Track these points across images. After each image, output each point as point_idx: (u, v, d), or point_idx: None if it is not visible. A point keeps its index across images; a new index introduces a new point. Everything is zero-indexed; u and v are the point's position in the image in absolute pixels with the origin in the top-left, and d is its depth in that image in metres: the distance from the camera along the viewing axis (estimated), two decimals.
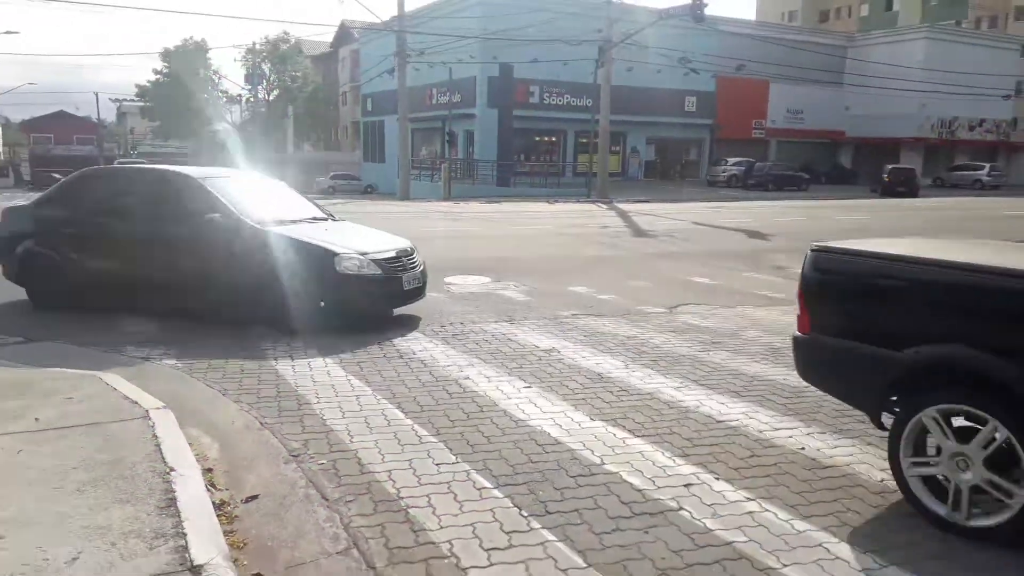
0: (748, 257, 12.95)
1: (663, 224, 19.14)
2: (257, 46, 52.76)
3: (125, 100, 63.58)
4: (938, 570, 2.92)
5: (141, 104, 56.52)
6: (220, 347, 6.34)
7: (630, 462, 4.02)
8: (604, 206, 26.35)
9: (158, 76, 53.41)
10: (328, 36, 56.71)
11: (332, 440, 4.30)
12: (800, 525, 3.28)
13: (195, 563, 2.81)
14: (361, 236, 7.62)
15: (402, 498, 3.56)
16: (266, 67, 54.35)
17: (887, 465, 3.55)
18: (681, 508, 3.48)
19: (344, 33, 53.27)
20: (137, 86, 55.22)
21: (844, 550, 3.05)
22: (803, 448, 4.21)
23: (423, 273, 7.57)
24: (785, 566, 2.93)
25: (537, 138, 40.48)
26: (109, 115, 79.93)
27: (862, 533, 3.21)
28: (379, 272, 6.92)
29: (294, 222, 7.55)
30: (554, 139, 40.79)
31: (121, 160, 51.34)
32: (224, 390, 5.22)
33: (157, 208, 7.34)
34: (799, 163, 44.76)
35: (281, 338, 6.65)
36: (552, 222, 19.63)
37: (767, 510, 3.44)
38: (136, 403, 4.59)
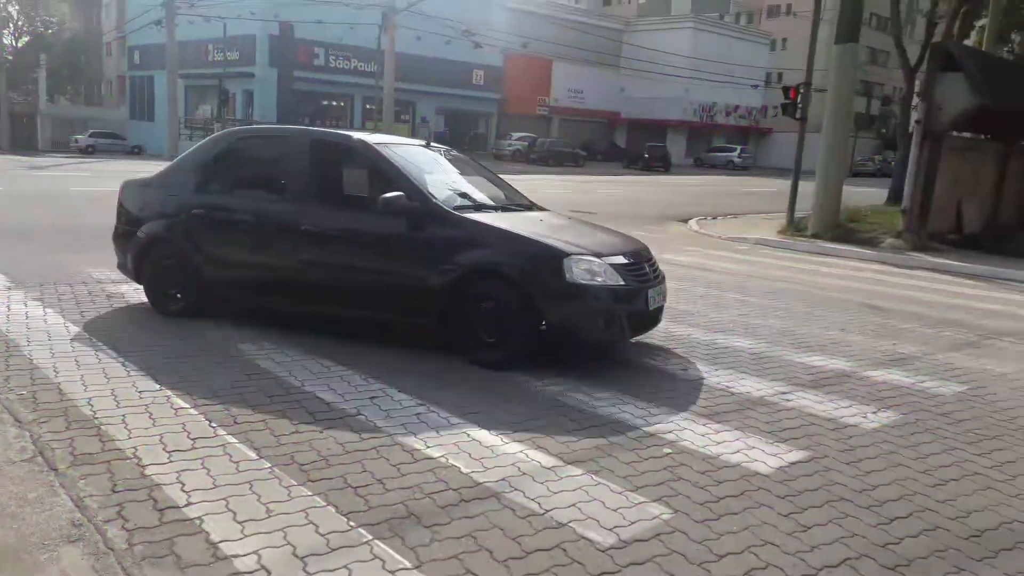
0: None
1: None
2: None
3: None
4: None
5: None
6: None
7: (319, 379, 4.60)
8: None
9: None
10: None
11: (36, 375, 4.44)
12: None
13: None
14: (583, 232, 5.80)
15: (97, 418, 3.86)
16: (13, 9, 48.23)
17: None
18: (356, 411, 4.10)
19: None
20: None
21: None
22: None
23: (665, 286, 5.72)
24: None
25: (324, 102, 39.79)
26: None
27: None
28: (620, 283, 5.08)
29: (495, 208, 5.82)
30: (342, 103, 40.28)
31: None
32: None
33: (318, 183, 5.72)
34: (579, 141, 47.71)
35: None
36: None
37: None
38: None
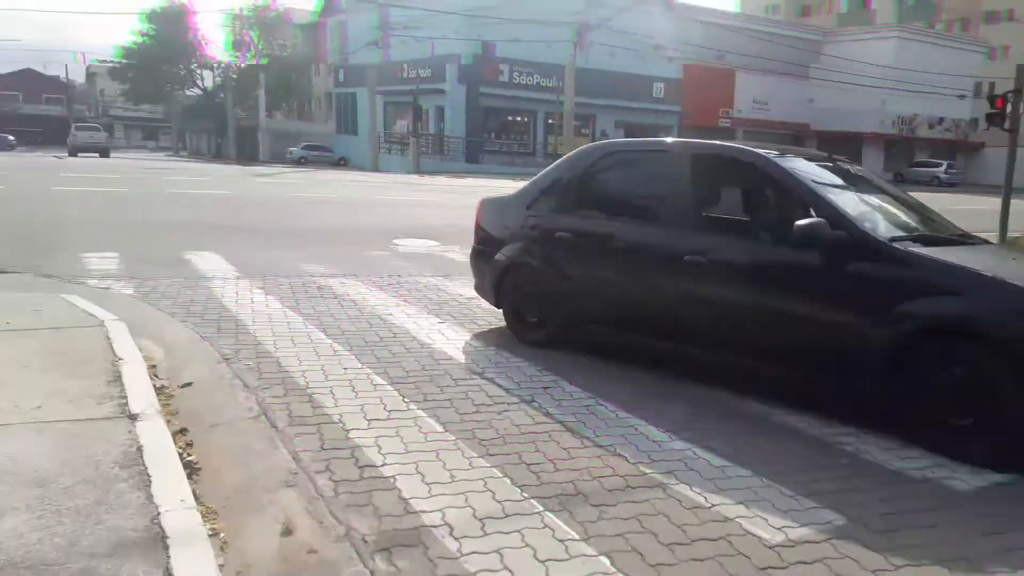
0: None
1: None
2: (244, 12, 52.62)
3: (97, 61, 63.03)
4: None
5: (112, 64, 56.05)
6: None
7: (499, 366, 4.91)
8: None
9: (143, 38, 52.97)
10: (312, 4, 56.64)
11: (260, 350, 5.10)
12: None
13: (132, 412, 3.62)
14: None
15: (309, 387, 4.39)
16: (254, 34, 54.11)
17: None
18: (534, 400, 4.35)
19: (330, 4, 53.24)
20: (117, 47, 54.74)
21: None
22: None
23: None
24: None
25: (509, 117, 41.18)
26: (79, 76, 78.98)
27: None
28: None
29: (948, 242, 4.60)
30: (524, 119, 41.50)
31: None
32: (171, 313, 6.00)
33: (704, 205, 5.14)
34: None
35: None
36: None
37: None
38: (93, 316, 5.35)
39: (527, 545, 2.81)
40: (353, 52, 44.39)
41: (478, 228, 6.12)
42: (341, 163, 43.67)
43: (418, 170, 33.34)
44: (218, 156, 51.32)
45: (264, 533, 2.90)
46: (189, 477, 3.22)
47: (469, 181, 26.76)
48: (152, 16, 52.40)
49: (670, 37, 38.11)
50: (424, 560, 2.68)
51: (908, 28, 55.16)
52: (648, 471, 3.52)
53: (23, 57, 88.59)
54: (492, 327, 6.05)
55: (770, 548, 2.88)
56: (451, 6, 34.35)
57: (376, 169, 33.77)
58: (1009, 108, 13.99)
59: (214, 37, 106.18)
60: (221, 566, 2.64)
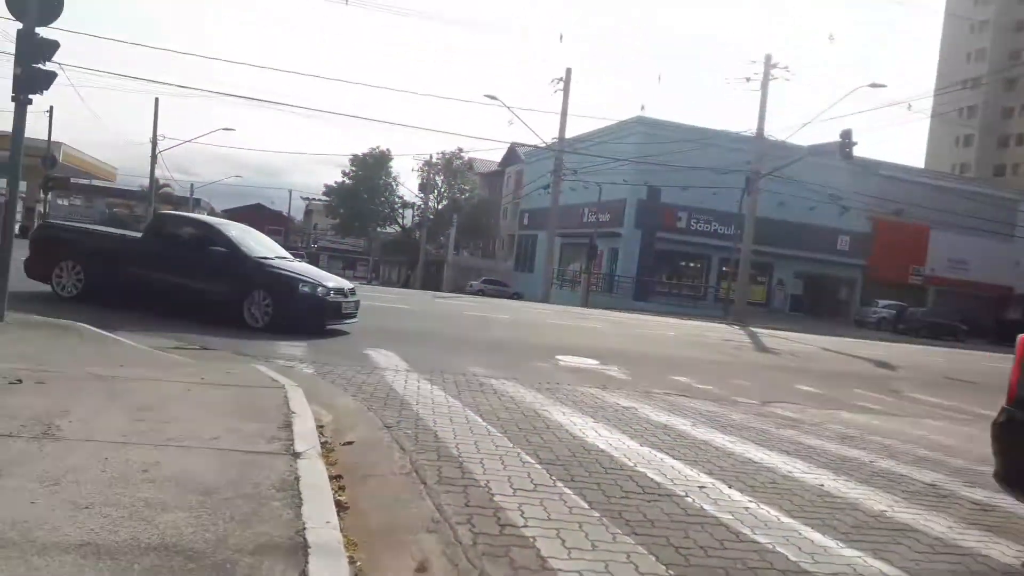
0: (866, 379, 12.91)
1: (790, 346, 19.14)
2: (433, 159, 58.00)
3: (313, 199, 71.05)
4: None
5: (326, 202, 62.99)
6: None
7: (651, 464, 4.70)
8: (736, 327, 26.44)
9: (345, 178, 59.61)
10: (499, 155, 61.37)
11: (419, 424, 5.26)
12: None
13: (296, 451, 3.84)
14: None
15: (461, 456, 4.45)
16: (439, 179, 59.36)
17: None
18: (687, 495, 4.12)
19: (512, 154, 57.46)
20: (325, 185, 61.82)
21: None
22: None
23: None
24: None
25: (682, 262, 41.25)
26: (298, 213, 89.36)
27: None
28: None
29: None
30: (697, 264, 41.39)
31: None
32: (344, 389, 6.37)
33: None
34: (959, 314, 42.39)
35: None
36: (677, 331, 20.15)
37: None
38: (276, 381, 5.81)
39: None
40: (526, 195, 46.96)
41: (1017, 383, 3.80)
42: (515, 296, 45.38)
43: (587, 304, 33.85)
44: (405, 285, 55.12)
45: (399, 566, 2.91)
46: (337, 514, 3.33)
47: (635, 315, 26.72)
48: (355, 160, 58.97)
49: (848, 189, 37.18)
50: None
51: None
52: (805, 567, 3.19)
53: (241, 192, 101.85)
54: (644, 430, 5.87)
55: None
56: (621, 153, 35.76)
57: (547, 301, 34.69)
58: None
59: (406, 180, 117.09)
60: None
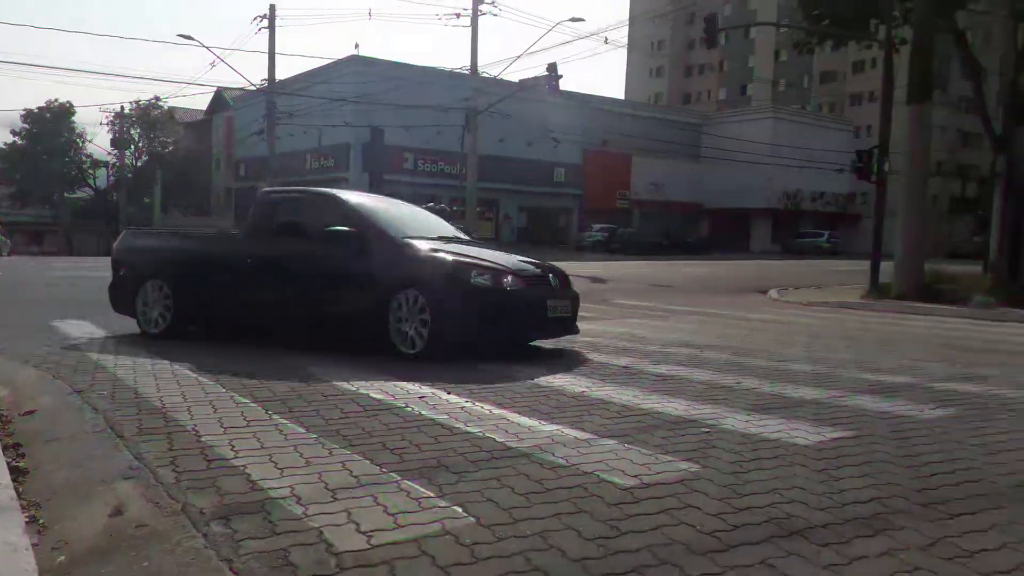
0: (583, 292, 14.12)
1: None
2: (126, 110, 51.98)
3: None
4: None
5: None
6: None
7: (374, 386, 4.80)
8: None
9: (17, 139, 51.44)
10: (204, 102, 56.68)
11: (118, 385, 4.84)
12: None
13: None
14: None
15: (166, 408, 4.18)
16: (135, 132, 53.46)
17: None
18: (404, 404, 4.27)
19: (219, 100, 53.39)
20: None
21: None
22: None
23: None
24: None
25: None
26: None
27: None
28: None
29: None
30: (429, 204, 42.11)
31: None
32: (26, 362, 5.65)
33: None
34: (660, 231, 47.89)
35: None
36: None
37: None
38: None
39: (379, 504, 2.71)
40: (240, 143, 44.23)
41: None
42: None
43: None
44: (105, 253, 49.56)
45: (91, 515, 2.70)
46: (15, 480, 2.99)
47: None
48: (30, 116, 51.14)
49: (560, 123, 39.90)
50: (264, 522, 2.54)
51: (782, 109, 59.60)
52: (515, 445, 3.49)
53: None
54: (371, 361, 5.95)
55: (624, 490, 2.88)
56: (337, 94, 34.90)
57: None
58: (874, 161, 15.21)
59: (96, 136, 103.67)
60: (35, 545, 2.43)
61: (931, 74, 14.42)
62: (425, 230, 6.96)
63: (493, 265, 6.14)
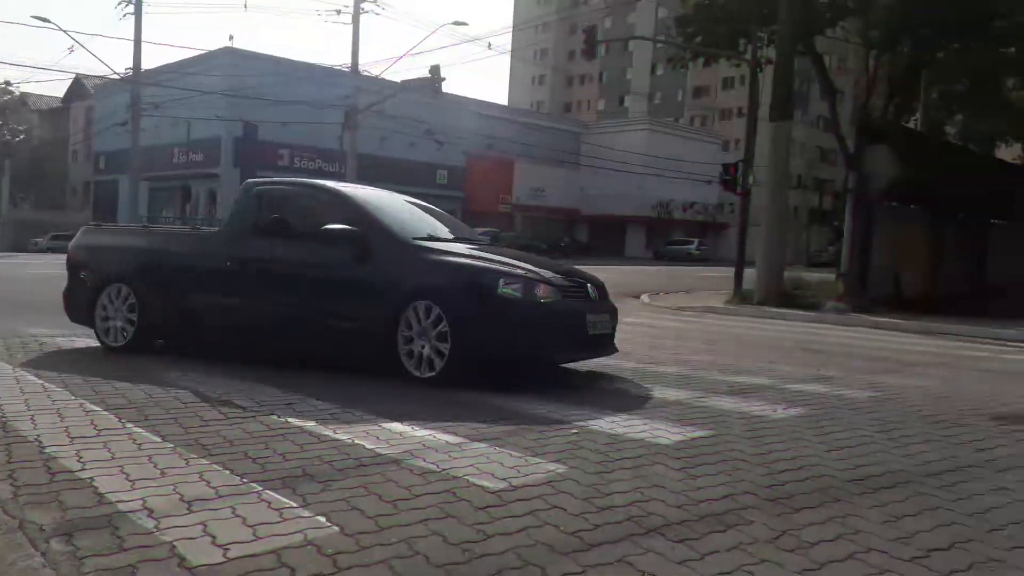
0: None
1: None
2: None
3: None
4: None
5: None
6: None
7: (240, 392, 4.62)
8: None
9: None
10: (61, 89, 52.76)
11: None
12: None
13: None
14: None
15: (5, 417, 3.86)
16: None
17: None
18: (273, 413, 4.14)
19: (78, 87, 49.87)
20: None
21: None
22: None
23: None
24: None
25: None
26: None
27: None
28: None
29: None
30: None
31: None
32: None
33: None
34: (540, 236, 48.77)
35: None
36: None
37: None
38: None
39: (237, 516, 2.61)
40: (100, 134, 41.57)
41: None
42: None
43: None
44: None
45: None
46: None
47: None
48: None
49: (443, 126, 39.91)
50: (111, 538, 2.39)
51: (657, 121, 62.14)
52: (385, 452, 3.45)
53: None
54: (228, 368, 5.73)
55: (492, 493, 2.91)
56: (209, 86, 33.44)
57: None
58: (739, 174, 16.09)
59: None
60: None
61: (791, 94, 15.42)
62: (435, 230, 6.10)
63: (524, 272, 5.22)
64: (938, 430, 4.34)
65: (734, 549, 2.47)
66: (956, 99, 24.72)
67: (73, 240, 6.99)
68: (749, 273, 15.48)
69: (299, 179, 6.92)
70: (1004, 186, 17.18)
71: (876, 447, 3.87)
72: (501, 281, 5.07)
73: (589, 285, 5.73)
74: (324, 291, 5.59)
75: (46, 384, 4.72)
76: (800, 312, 13.28)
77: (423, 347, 5.10)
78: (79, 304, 6.45)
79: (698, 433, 3.99)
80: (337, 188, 6.19)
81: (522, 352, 5.13)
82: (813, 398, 5.20)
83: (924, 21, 16.89)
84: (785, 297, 14.62)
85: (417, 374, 5.11)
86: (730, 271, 17.65)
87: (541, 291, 5.15)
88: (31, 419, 3.82)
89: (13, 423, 3.74)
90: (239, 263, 5.84)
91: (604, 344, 5.73)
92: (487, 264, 5.30)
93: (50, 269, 18.81)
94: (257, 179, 6.61)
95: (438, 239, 5.84)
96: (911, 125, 24.18)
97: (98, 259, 6.55)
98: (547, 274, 5.37)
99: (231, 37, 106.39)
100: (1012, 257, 16.54)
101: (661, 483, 3.11)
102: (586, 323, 5.41)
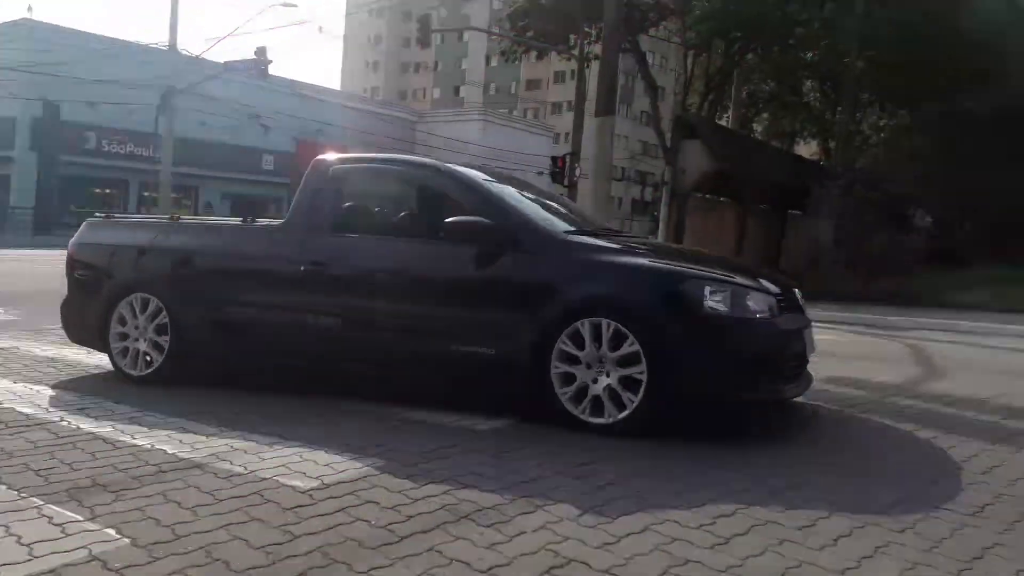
0: None
1: None
2: None
3: None
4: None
5: None
6: None
7: (24, 398, 4.21)
8: None
9: None
10: None
11: None
12: None
13: None
14: None
15: None
16: None
17: None
18: (59, 419, 3.79)
19: None
20: None
21: None
22: None
23: None
24: None
25: (96, 189, 37.18)
26: None
27: None
28: None
29: None
30: (111, 191, 37.83)
31: None
32: None
33: None
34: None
35: None
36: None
37: None
38: None
39: (11, 535, 2.36)
40: None
41: None
42: None
43: None
44: None
45: None
46: None
47: (33, 252, 23.20)
48: None
49: (270, 109, 38.27)
50: None
51: (490, 113, 62.96)
52: (187, 457, 3.26)
53: None
54: (24, 367, 5.19)
55: (302, 493, 2.83)
56: (4, 61, 30.03)
57: None
58: (567, 168, 16.66)
59: None
60: None
61: (615, 90, 16.12)
62: (568, 219, 4.87)
63: (728, 278, 3.96)
64: None
65: (541, 529, 2.55)
66: (763, 98, 26.95)
67: (75, 237, 5.48)
68: None
69: (391, 155, 5.55)
70: (801, 180, 18.98)
71: None
72: (707, 290, 3.82)
73: (797, 291, 4.50)
74: (445, 304, 4.33)
75: None
76: None
77: (599, 381, 3.81)
78: (86, 320, 5.11)
79: (503, 422, 4.08)
80: (451, 168, 4.73)
81: (741, 388, 3.89)
82: None
83: (735, 26, 18.25)
84: None
85: (584, 417, 3.82)
86: None
87: (756, 302, 3.93)
88: None
89: None
90: (317, 268, 4.47)
91: (800, 371, 4.33)
92: (684, 268, 4.08)
93: None
94: (331, 155, 4.97)
95: (584, 231, 4.52)
96: (723, 122, 26.14)
97: (112, 262, 5.18)
98: (752, 280, 4.10)
99: (30, 8, 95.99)
100: (803, 245, 18.34)
101: (475, 470, 3.16)
102: (805, 345, 4.25)
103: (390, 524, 2.56)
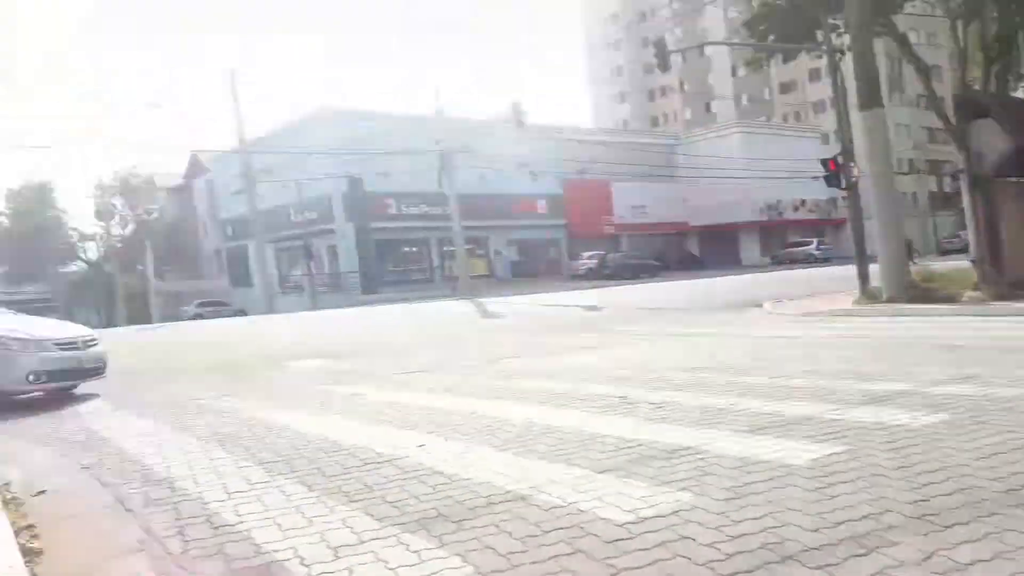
0: (575, 323, 14.24)
1: (511, 308, 20.47)
2: (105, 181, 52.42)
3: None
4: None
5: None
6: None
7: (375, 438, 4.87)
8: (466, 301, 27.62)
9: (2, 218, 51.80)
10: (179, 167, 56.85)
11: (124, 458, 4.89)
12: None
13: None
14: None
15: (172, 477, 4.24)
16: (117, 202, 53.88)
17: None
18: (404, 455, 4.33)
19: (196, 163, 53.72)
20: None
21: None
22: None
23: None
24: None
25: (404, 248, 41.89)
26: None
27: None
28: None
29: None
30: (416, 249, 42.30)
31: None
32: (36, 441, 5.71)
33: None
34: (650, 252, 48.20)
35: None
36: (408, 316, 20.55)
37: None
38: None
39: (380, 560, 2.77)
40: (222, 205, 44.65)
41: None
42: (239, 313, 42.93)
43: (315, 306, 33.21)
44: (109, 325, 49.63)
45: None
46: (30, 561, 3.04)
47: (367, 309, 26.78)
48: (11, 195, 51.65)
49: (535, 156, 40.51)
50: None
51: (747, 123, 60.40)
52: (512, 489, 3.55)
53: None
54: (370, 412, 6.01)
55: (619, 526, 2.94)
56: (316, 147, 35.19)
57: (273, 312, 33.39)
58: (840, 169, 15.40)
59: (80, 207, 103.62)
60: None
61: (876, 79, 14.63)
62: None
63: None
64: None
65: (877, 575, 2.39)
66: None
67: None
68: (875, 269, 14.74)
69: None
70: None
71: None
72: None
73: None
74: None
75: (205, 445, 5.13)
76: (934, 307, 12.53)
77: None
78: None
79: (832, 449, 3.85)
80: None
81: None
82: (959, 401, 4.91)
83: None
84: (915, 291, 13.81)
85: None
86: (854, 269, 16.84)
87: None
88: (193, 479, 4.18)
89: (179, 483, 4.10)
90: None
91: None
92: None
93: (208, 336, 20.30)
94: None
95: None
96: (1019, 94, 22.34)
97: None
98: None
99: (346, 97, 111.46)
100: None
101: (796, 506, 3.04)
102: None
103: (710, 561, 2.56)
